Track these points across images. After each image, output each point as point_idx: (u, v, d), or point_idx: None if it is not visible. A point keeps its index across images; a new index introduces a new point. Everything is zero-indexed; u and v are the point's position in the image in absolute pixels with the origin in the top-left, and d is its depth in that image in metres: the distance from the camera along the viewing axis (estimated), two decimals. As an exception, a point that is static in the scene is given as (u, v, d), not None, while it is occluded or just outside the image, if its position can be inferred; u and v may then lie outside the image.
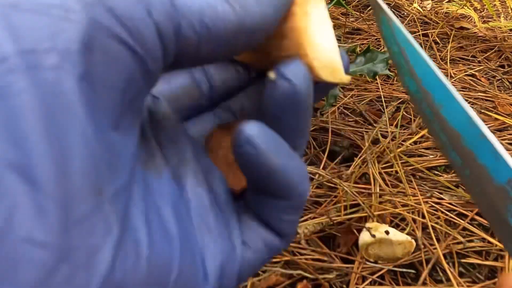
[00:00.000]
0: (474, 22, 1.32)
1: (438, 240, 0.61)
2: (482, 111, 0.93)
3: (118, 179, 0.13)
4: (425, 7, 1.43)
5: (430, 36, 1.25)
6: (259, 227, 0.19)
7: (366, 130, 0.84)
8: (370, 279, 0.55)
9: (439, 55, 1.16)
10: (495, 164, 0.17)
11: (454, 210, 0.67)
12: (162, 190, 0.17)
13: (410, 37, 0.20)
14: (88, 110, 0.13)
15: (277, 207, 0.18)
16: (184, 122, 0.22)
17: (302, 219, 0.63)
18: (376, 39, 1.21)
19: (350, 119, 0.89)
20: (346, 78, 0.20)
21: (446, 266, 0.57)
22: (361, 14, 1.36)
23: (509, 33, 1.29)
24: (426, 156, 0.78)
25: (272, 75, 0.17)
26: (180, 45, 0.15)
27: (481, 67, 1.12)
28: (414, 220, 0.64)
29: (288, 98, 0.17)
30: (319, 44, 0.19)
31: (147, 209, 0.15)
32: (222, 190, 0.20)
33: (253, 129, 0.16)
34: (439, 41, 1.23)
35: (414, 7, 1.40)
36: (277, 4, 0.18)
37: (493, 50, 1.21)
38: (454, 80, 1.05)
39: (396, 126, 0.85)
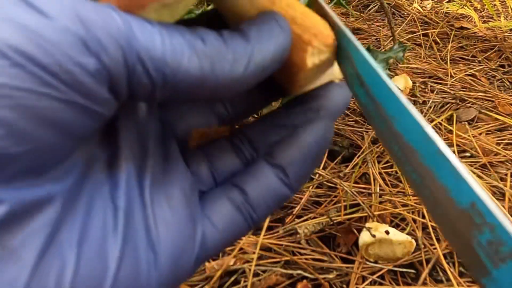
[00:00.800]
0: (474, 22, 1.32)
1: (438, 240, 0.61)
2: (482, 111, 0.93)
3: (35, 222, 0.14)
4: (425, 7, 1.43)
5: (430, 36, 1.25)
6: (232, 211, 0.19)
7: (366, 130, 0.84)
8: (370, 279, 0.55)
9: (439, 55, 1.16)
10: (456, 185, 0.15)
11: (454, 210, 0.67)
12: (117, 191, 0.17)
13: (355, 41, 0.19)
14: None
15: (277, 193, 0.20)
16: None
17: (302, 219, 0.63)
18: (376, 39, 1.21)
19: (350, 119, 0.89)
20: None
21: (446, 266, 0.57)
22: (361, 14, 1.36)
23: (509, 33, 1.29)
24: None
25: None
26: (131, 88, 0.15)
27: (481, 67, 1.12)
28: (414, 220, 0.64)
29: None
30: (303, 91, 0.21)
31: (88, 223, 0.16)
32: (186, 184, 0.19)
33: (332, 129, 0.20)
34: (439, 41, 1.23)
35: (414, 7, 1.40)
36: (253, 74, 0.17)
37: (493, 50, 1.21)
38: (454, 80, 1.05)
39: (396, 126, 0.85)
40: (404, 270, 0.57)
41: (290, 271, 0.55)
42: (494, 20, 1.35)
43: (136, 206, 0.17)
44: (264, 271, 0.55)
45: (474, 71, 1.09)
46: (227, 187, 0.20)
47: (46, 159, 0.14)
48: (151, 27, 0.15)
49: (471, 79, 1.05)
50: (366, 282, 0.55)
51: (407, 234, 0.60)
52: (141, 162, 0.18)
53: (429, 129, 0.16)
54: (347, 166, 0.74)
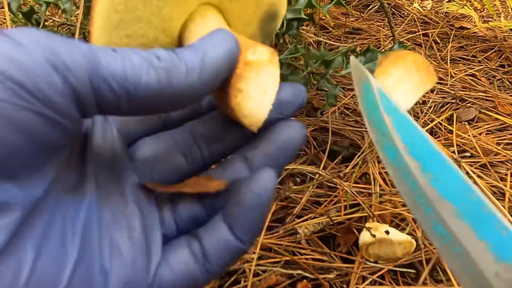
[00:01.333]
0: (474, 22, 1.32)
1: (438, 240, 0.61)
2: (482, 111, 0.93)
3: (2, 219, 0.16)
4: (425, 7, 1.43)
5: (430, 36, 1.25)
6: (189, 260, 0.21)
7: (366, 130, 0.84)
8: (370, 279, 0.55)
9: (439, 55, 1.16)
10: (501, 240, 0.15)
11: (454, 210, 0.67)
12: (78, 214, 0.19)
13: (397, 104, 0.20)
14: None
15: (230, 247, 0.21)
16: (140, 139, 0.24)
17: (302, 219, 0.63)
18: (376, 39, 1.21)
19: (350, 119, 0.88)
20: (256, 128, 0.22)
21: (446, 266, 0.57)
22: (361, 14, 1.36)
23: (509, 33, 1.29)
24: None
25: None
26: (99, 103, 0.17)
27: (481, 67, 1.12)
28: (414, 220, 0.64)
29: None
30: (248, 114, 0.21)
31: (46, 235, 0.18)
32: (148, 221, 0.21)
33: (274, 180, 0.20)
34: (439, 41, 1.23)
35: (414, 7, 1.40)
36: (207, 80, 0.19)
37: (493, 50, 1.21)
38: (454, 80, 1.05)
39: (396, 126, 0.85)
40: (404, 270, 0.57)
41: (290, 271, 0.55)
42: (494, 20, 1.35)
43: (94, 232, 0.19)
44: (264, 271, 0.55)
45: (474, 71, 1.09)
46: (189, 237, 0.22)
47: (16, 163, 0.16)
48: (113, 52, 0.17)
49: (471, 79, 1.05)
50: (366, 282, 0.55)
51: (407, 234, 0.60)
52: (105, 195, 0.21)
53: (474, 187, 0.17)
54: (347, 166, 0.74)
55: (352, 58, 0.22)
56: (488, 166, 0.75)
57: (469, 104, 0.95)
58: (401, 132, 0.19)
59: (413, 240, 0.58)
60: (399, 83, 0.21)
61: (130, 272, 0.19)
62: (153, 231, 0.21)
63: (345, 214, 0.63)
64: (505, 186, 0.70)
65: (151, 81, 0.18)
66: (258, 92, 0.21)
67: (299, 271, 0.55)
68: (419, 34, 1.25)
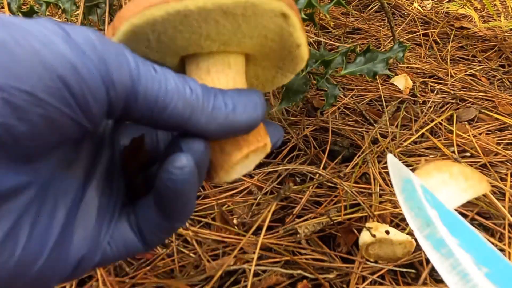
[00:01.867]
0: (475, 22, 1.32)
1: (438, 240, 0.61)
2: (483, 111, 0.93)
3: (9, 204, 0.17)
4: (425, 7, 1.43)
5: (430, 35, 1.25)
6: (128, 232, 0.22)
7: (366, 130, 0.84)
8: (370, 279, 0.55)
9: (440, 55, 1.16)
10: None
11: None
12: (69, 191, 0.21)
13: (442, 201, 0.21)
14: None
15: (160, 225, 0.22)
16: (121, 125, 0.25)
17: (302, 219, 0.63)
18: (376, 39, 1.21)
19: (350, 119, 0.88)
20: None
21: (446, 266, 0.57)
22: (361, 14, 1.36)
23: (509, 33, 1.29)
24: (426, 156, 0.78)
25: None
26: (123, 115, 0.19)
27: (482, 67, 1.12)
28: (414, 220, 0.64)
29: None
30: (221, 177, 0.23)
31: (41, 214, 0.19)
32: (114, 196, 0.23)
33: (189, 160, 0.20)
34: (439, 41, 1.23)
35: (414, 7, 1.40)
36: (221, 132, 0.20)
37: (493, 50, 1.21)
38: (455, 80, 1.05)
39: (396, 126, 0.85)
40: (404, 270, 0.57)
41: (290, 271, 0.55)
42: (494, 20, 1.35)
43: (75, 207, 0.21)
44: (264, 271, 0.55)
45: (474, 71, 1.09)
46: (129, 209, 0.23)
47: (39, 152, 0.18)
48: (154, 73, 0.18)
49: (471, 79, 1.05)
50: (366, 282, 0.55)
51: (407, 234, 0.60)
52: (90, 174, 0.22)
53: None
54: (347, 166, 0.74)
55: (389, 155, 0.23)
56: (488, 166, 0.75)
57: (469, 104, 0.95)
58: (448, 226, 0.20)
59: (413, 240, 0.58)
60: (443, 185, 0.21)
61: (87, 244, 0.21)
62: (114, 211, 0.23)
63: (345, 214, 0.63)
64: (505, 186, 0.70)
65: (174, 112, 0.19)
66: (243, 167, 0.23)
67: (299, 271, 0.55)
68: (419, 34, 1.25)
